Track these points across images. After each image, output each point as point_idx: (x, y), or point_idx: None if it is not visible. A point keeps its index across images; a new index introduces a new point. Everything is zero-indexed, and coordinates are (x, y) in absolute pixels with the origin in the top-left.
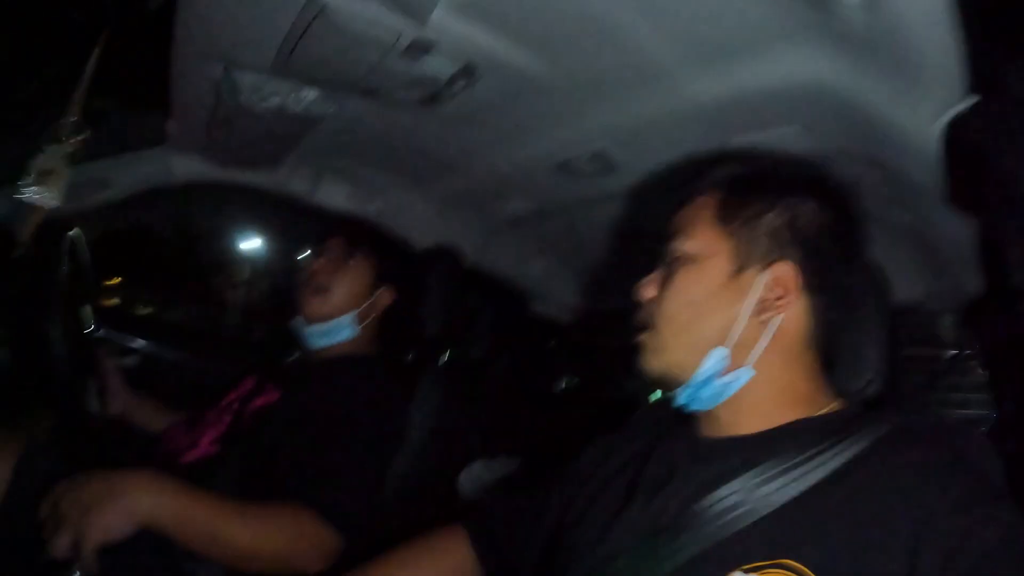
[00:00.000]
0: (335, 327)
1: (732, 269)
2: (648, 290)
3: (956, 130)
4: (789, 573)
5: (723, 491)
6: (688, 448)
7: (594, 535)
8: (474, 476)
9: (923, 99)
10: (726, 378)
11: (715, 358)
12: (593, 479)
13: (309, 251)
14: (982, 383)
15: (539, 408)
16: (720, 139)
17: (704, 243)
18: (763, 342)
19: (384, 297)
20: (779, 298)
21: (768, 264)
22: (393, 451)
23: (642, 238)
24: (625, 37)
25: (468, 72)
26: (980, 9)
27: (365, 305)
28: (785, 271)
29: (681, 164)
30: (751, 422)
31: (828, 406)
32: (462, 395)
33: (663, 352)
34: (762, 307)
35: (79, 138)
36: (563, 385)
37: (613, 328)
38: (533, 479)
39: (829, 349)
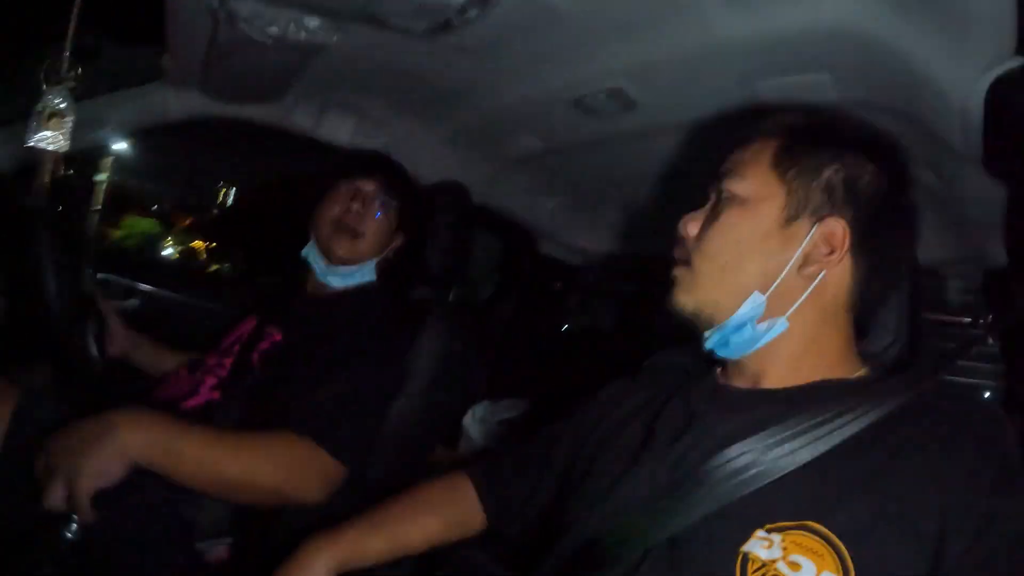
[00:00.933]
0: (360, 271)
1: (783, 217)
2: (691, 227)
3: (1000, 90)
4: (815, 536)
5: (743, 446)
6: (710, 397)
7: (605, 485)
8: (479, 417)
9: (967, 54)
10: (760, 326)
11: (752, 303)
12: (604, 425)
13: (336, 189)
14: (993, 353)
15: (545, 349)
16: (745, 82)
17: (757, 186)
18: (803, 296)
19: (399, 240)
20: (827, 254)
21: (820, 218)
22: (397, 386)
23: (665, 179)
24: None
25: None
26: None
27: (388, 250)
28: (836, 228)
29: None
30: (778, 376)
31: (857, 371)
32: (468, 334)
33: (698, 289)
34: (807, 260)
35: (77, 73)
36: (570, 327)
37: (628, 271)
38: (539, 422)
39: (864, 314)
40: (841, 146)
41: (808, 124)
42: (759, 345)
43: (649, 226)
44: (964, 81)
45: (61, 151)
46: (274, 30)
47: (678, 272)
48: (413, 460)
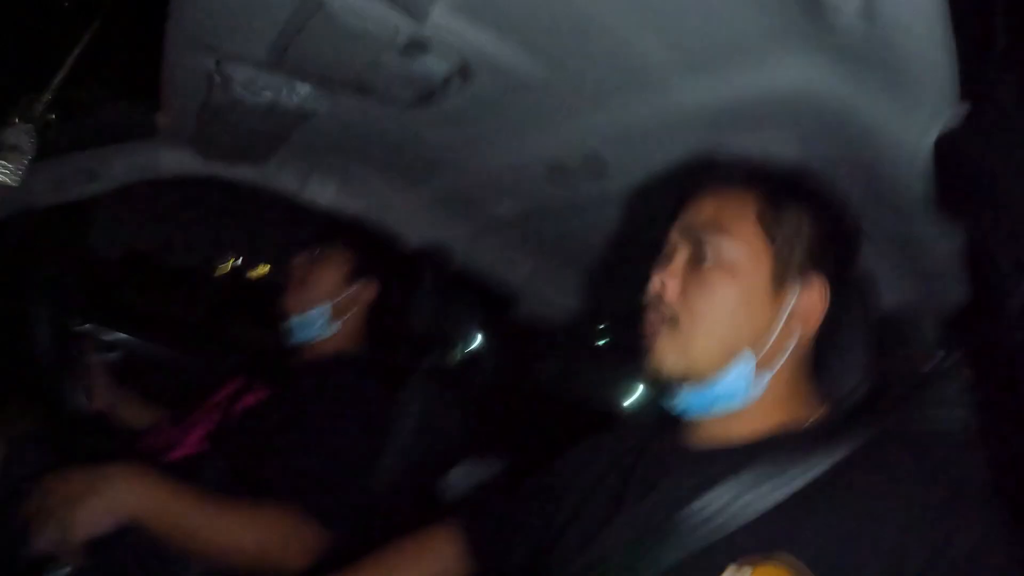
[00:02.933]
0: (310, 319)
1: (773, 281)
2: (670, 285)
3: (947, 140)
4: (784, 566)
5: (710, 496)
6: (675, 455)
7: (581, 541)
8: (462, 477)
9: (915, 109)
10: (748, 384)
11: (743, 363)
12: (580, 482)
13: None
14: (963, 391)
15: (526, 410)
16: (711, 142)
17: (747, 249)
18: (786, 352)
19: (366, 292)
20: (809, 311)
21: (803, 276)
22: (379, 451)
23: (637, 242)
24: (620, 41)
25: (464, 72)
26: (971, 21)
27: (342, 298)
28: (819, 286)
29: (678, 167)
30: (740, 429)
31: (816, 412)
32: (449, 396)
33: (686, 351)
34: (791, 318)
35: (49, 119)
36: (548, 387)
37: (603, 331)
38: (521, 480)
39: (829, 358)
40: (815, 198)
41: (783, 179)
42: (739, 400)
43: (623, 286)
44: (913, 134)
45: (10, 184)
46: (267, 95)
47: (661, 335)
48: (394, 520)
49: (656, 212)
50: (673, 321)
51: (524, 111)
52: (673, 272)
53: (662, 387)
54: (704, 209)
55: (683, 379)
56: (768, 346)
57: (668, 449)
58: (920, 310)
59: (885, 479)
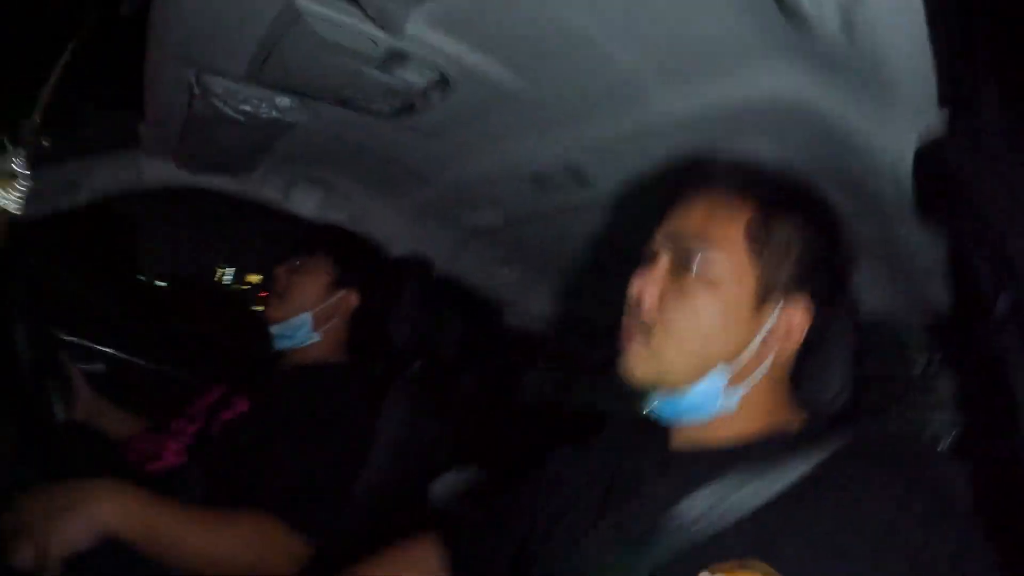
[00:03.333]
0: (291, 327)
1: (755, 299)
2: (648, 293)
3: (928, 148)
4: (758, 572)
5: (689, 502)
6: (655, 459)
7: (563, 548)
8: (445, 487)
9: (896, 117)
10: (719, 397)
11: (715, 377)
12: (562, 489)
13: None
14: (945, 398)
15: (509, 419)
16: (690, 152)
17: (732, 266)
18: (761, 369)
19: (348, 301)
20: (789, 331)
21: (787, 295)
22: (360, 460)
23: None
24: (599, 52)
25: (443, 83)
26: (951, 29)
27: (323, 307)
28: (801, 308)
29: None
30: (720, 434)
31: (795, 419)
32: (431, 405)
33: (658, 360)
34: (770, 334)
35: (40, 142)
36: (532, 396)
37: (585, 339)
38: (503, 489)
39: (802, 363)
40: (807, 212)
41: (778, 191)
42: (712, 412)
43: (603, 293)
44: (892, 141)
45: (12, 211)
46: (246, 108)
47: (635, 342)
48: (376, 531)
49: (640, 219)
50: (647, 330)
51: (505, 122)
52: (654, 279)
53: (635, 391)
54: (693, 216)
55: (653, 387)
56: (743, 362)
57: (650, 453)
58: (903, 316)
59: (861, 492)
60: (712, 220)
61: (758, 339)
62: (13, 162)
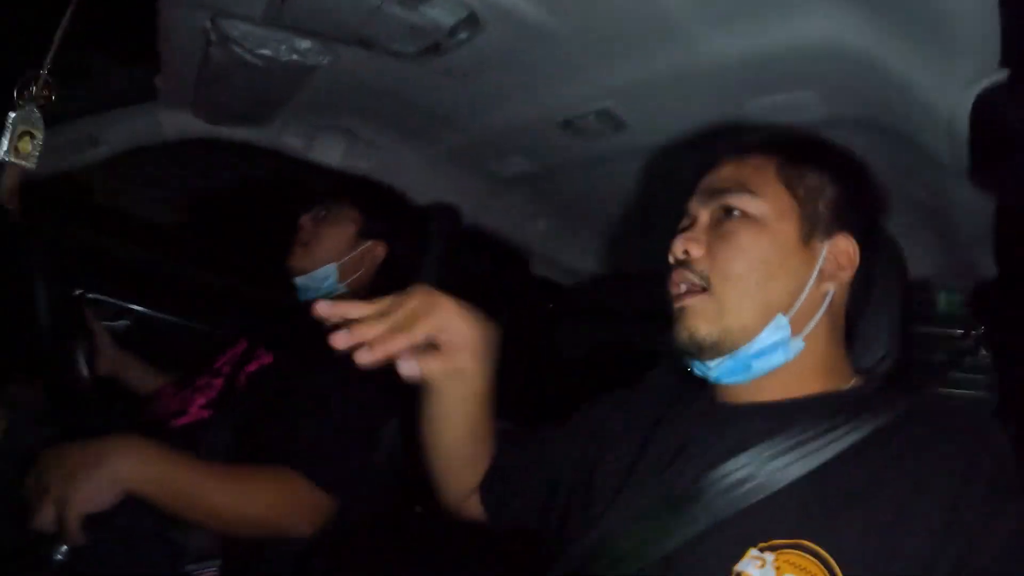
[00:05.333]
0: (316, 279)
1: (802, 235)
2: (694, 248)
3: (985, 103)
4: (808, 556)
5: (739, 461)
6: (705, 414)
7: (602, 501)
8: None
9: (953, 68)
10: (781, 348)
11: (776, 326)
12: (600, 438)
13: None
14: (986, 364)
15: (538, 371)
16: (733, 101)
17: (772, 204)
18: (819, 314)
19: (374, 252)
20: (839, 271)
21: (830, 235)
22: (385, 414)
23: (655, 198)
24: None
25: (471, 22)
26: None
27: (348, 258)
28: (847, 244)
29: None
30: (774, 391)
31: (849, 382)
32: None
33: (724, 315)
34: (822, 277)
35: (52, 95)
36: (562, 347)
37: (620, 291)
38: (534, 439)
39: (859, 326)
40: (835, 162)
41: (801, 142)
42: (772, 368)
43: (640, 245)
44: (950, 95)
45: (30, 168)
46: (265, 51)
47: (692, 300)
48: (401, 483)
49: (678, 168)
50: (704, 284)
51: (535, 65)
52: (696, 235)
53: (694, 355)
54: (723, 172)
55: (716, 346)
56: (800, 305)
57: (697, 407)
58: (944, 280)
59: (921, 462)
60: (743, 170)
61: (812, 278)
62: (30, 118)
